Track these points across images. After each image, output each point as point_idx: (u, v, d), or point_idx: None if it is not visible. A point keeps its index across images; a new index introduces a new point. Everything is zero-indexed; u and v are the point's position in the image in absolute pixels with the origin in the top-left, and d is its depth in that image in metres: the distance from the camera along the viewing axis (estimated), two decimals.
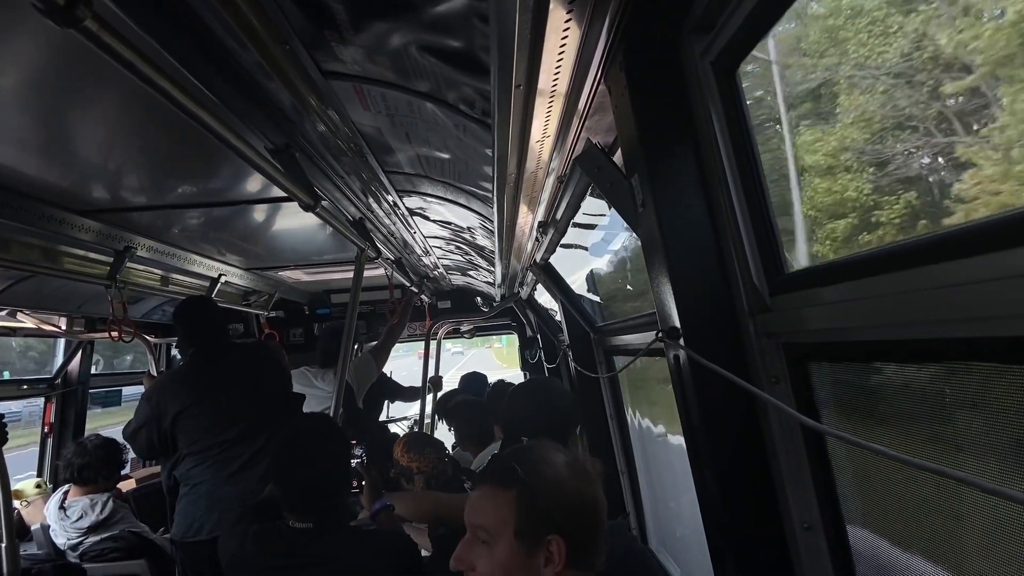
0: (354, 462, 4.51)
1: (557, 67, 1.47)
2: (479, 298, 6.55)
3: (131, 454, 4.15)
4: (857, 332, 1.09)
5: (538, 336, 5.73)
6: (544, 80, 1.50)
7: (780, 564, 1.35)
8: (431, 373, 6.00)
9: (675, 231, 1.40)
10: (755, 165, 1.30)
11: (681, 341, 1.41)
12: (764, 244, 1.31)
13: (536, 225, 2.74)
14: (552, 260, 3.51)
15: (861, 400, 1.19)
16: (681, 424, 1.55)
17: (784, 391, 1.32)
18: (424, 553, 2.92)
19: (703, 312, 1.40)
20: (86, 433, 4.62)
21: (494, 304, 5.99)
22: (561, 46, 1.37)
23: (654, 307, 1.57)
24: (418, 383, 6.23)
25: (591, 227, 3.17)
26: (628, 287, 3.83)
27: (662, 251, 1.41)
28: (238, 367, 3.59)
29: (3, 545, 2.57)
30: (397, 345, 5.53)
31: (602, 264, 3.60)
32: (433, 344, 6.11)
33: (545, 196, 2.49)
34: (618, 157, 1.85)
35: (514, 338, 6.70)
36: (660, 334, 1.50)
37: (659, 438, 3.23)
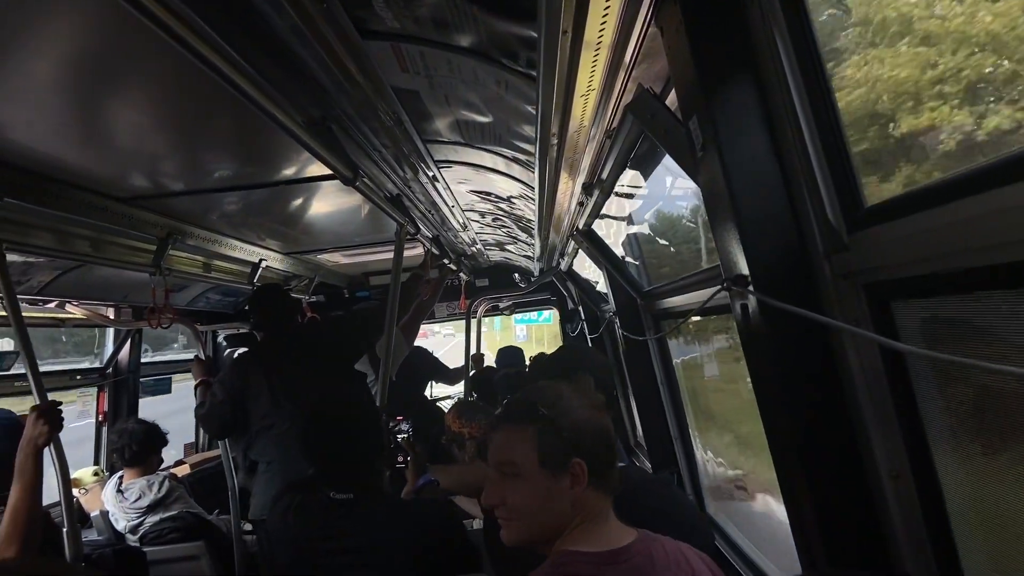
0: (400, 437, 4.54)
1: (605, 11, 1.40)
2: (517, 274, 6.50)
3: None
4: (947, 260, 1.01)
5: (580, 308, 5.68)
6: (591, 27, 1.43)
7: (865, 516, 1.29)
8: (473, 351, 5.97)
9: (739, 172, 1.32)
10: (827, 94, 1.22)
11: (750, 287, 1.34)
12: (840, 179, 1.23)
13: (580, 188, 2.67)
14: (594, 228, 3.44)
15: (953, 338, 1.11)
16: (751, 378, 1.49)
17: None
18: (476, 524, 2.91)
19: (773, 257, 1.33)
20: None
21: (532, 279, 5.94)
22: None
23: (699, 268, 1.50)
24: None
25: (630, 196, 3.10)
26: (673, 250, 3.74)
27: (726, 195, 1.34)
28: (306, 348, 3.76)
29: (65, 530, 2.60)
30: None
31: (647, 227, 3.52)
32: (473, 322, 6.09)
33: (588, 159, 2.42)
34: (670, 102, 1.78)
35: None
36: (725, 283, 1.43)
37: (716, 404, 3.16)
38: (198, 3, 1.48)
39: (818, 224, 1.27)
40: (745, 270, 1.34)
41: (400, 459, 4.16)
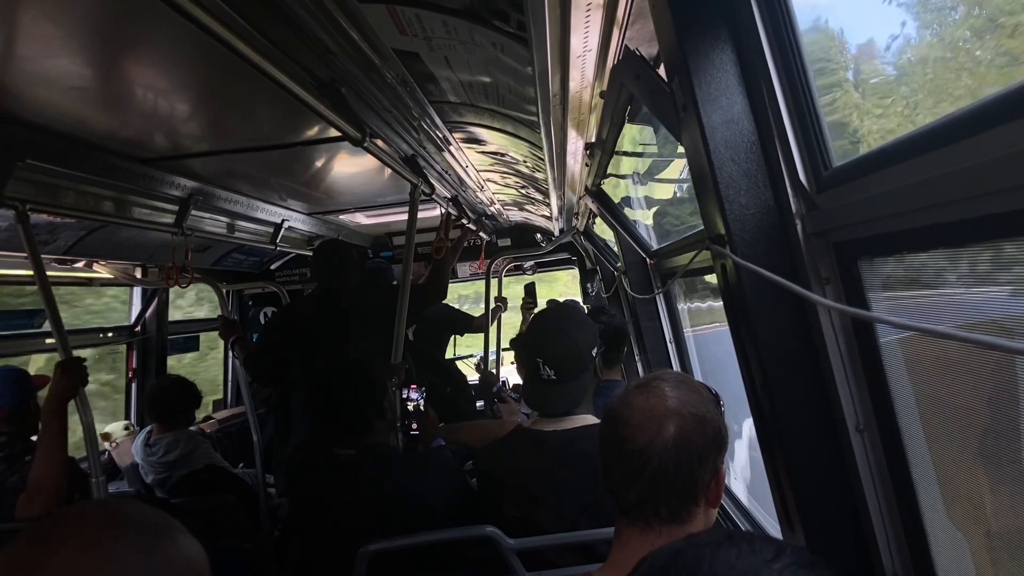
0: (411, 405, 4.66)
1: None
2: (539, 234, 6.50)
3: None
4: (909, 218, 1.02)
5: (597, 268, 5.70)
6: None
7: (833, 467, 1.33)
8: (492, 305, 5.99)
9: (717, 133, 1.34)
10: (797, 54, 1.23)
11: (727, 248, 1.37)
12: (809, 139, 1.25)
13: (583, 148, 2.68)
14: (608, 187, 3.45)
15: (917, 293, 1.13)
16: (731, 334, 1.53)
17: (835, 291, 1.27)
18: None
19: (749, 216, 1.35)
20: None
21: (552, 239, 5.95)
22: None
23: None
24: None
25: (640, 152, 3.09)
26: (686, 208, 3.75)
27: (704, 155, 1.36)
28: (360, 308, 3.85)
29: (93, 481, 2.70)
30: None
31: (659, 186, 3.51)
32: (494, 282, 6.12)
33: (593, 117, 2.43)
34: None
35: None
36: (707, 242, 1.46)
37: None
38: None
39: (791, 184, 1.30)
40: (723, 230, 1.37)
41: (414, 426, 4.27)
